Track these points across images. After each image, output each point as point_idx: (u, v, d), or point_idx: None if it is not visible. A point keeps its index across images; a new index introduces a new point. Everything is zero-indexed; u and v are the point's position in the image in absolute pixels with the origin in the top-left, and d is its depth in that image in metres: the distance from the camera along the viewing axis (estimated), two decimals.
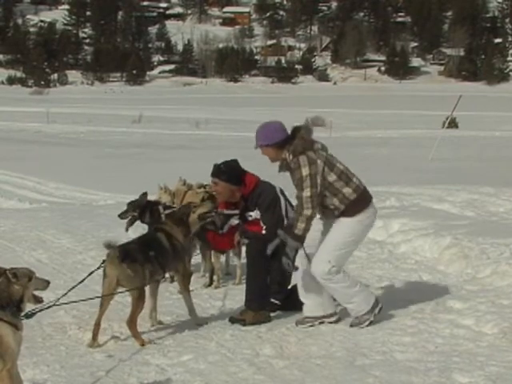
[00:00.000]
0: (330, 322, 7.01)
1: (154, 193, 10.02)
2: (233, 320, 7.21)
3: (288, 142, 6.76)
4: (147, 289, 7.00)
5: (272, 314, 7.39)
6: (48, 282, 4.94)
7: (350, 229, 6.79)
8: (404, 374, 5.61)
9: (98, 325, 6.62)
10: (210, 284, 8.92)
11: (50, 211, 15.86)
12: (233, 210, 7.80)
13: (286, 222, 7.40)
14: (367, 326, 6.91)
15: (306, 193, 6.55)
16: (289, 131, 6.88)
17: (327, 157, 6.78)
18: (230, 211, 7.81)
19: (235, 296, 8.27)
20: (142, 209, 9.06)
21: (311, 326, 6.96)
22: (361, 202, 6.81)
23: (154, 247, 6.91)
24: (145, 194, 9.17)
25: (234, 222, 7.94)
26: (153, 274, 6.85)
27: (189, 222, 7.24)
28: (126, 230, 9.27)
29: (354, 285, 6.87)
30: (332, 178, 6.69)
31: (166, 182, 10.13)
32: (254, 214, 7.53)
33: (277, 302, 7.60)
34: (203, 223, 7.49)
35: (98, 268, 6.63)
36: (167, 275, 8.22)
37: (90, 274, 6.69)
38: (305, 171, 6.58)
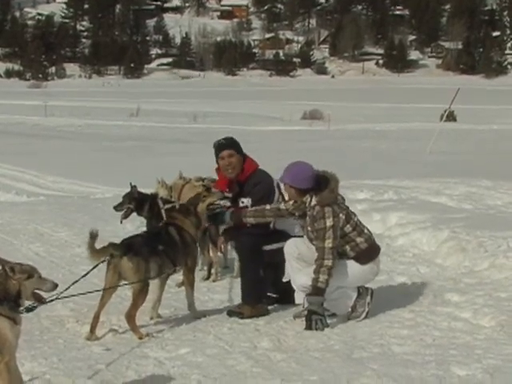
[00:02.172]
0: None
1: (151, 187, 10.01)
2: (231, 313, 7.22)
3: (312, 189, 6.88)
4: (156, 281, 7.03)
5: (270, 308, 7.41)
6: (55, 285, 4.88)
7: (357, 273, 6.94)
8: (401, 367, 5.62)
9: (97, 317, 6.62)
10: (208, 277, 8.94)
11: (48, 204, 15.84)
12: (227, 192, 7.64)
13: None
14: (364, 318, 6.93)
15: (328, 244, 6.72)
16: (316, 168, 6.99)
17: (347, 210, 6.97)
18: (224, 193, 7.63)
19: (233, 289, 8.27)
20: (139, 202, 9.06)
21: None
22: (372, 251, 7.03)
23: (164, 241, 6.92)
24: (135, 187, 9.15)
25: (226, 204, 7.73)
26: (162, 267, 6.86)
27: (198, 213, 7.23)
28: (121, 222, 9.27)
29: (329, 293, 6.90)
30: (348, 229, 6.90)
31: (163, 176, 10.12)
32: (246, 202, 7.50)
33: (273, 295, 7.62)
34: (211, 213, 7.43)
35: (102, 261, 6.63)
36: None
37: (94, 267, 6.67)
38: (329, 222, 6.75)
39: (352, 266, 6.91)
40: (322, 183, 6.88)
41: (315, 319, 6.66)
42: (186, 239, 7.12)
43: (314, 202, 6.88)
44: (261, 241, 7.30)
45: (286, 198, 7.28)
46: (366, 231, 7.03)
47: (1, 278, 4.71)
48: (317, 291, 6.68)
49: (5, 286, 4.70)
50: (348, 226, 6.88)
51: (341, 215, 6.83)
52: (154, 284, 7.00)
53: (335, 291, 6.87)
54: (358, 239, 6.92)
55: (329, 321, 6.82)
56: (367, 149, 29.78)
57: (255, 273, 7.30)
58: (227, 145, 7.54)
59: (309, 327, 6.67)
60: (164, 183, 9.97)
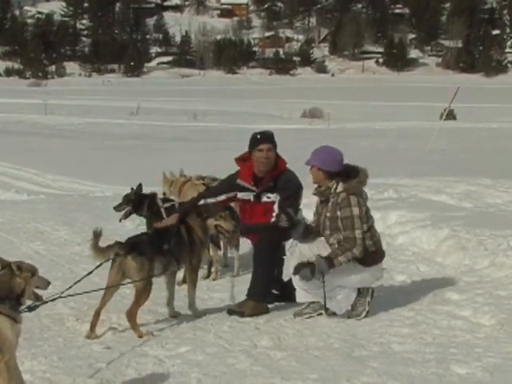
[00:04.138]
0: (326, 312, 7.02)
1: (153, 185, 10.02)
2: (231, 312, 7.21)
3: (339, 176, 6.87)
4: (165, 280, 7.11)
5: (270, 306, 7.40)
6: (49, 283, 4.95)
7: (360, 274, 6.91)
8: (402, 366, 5.62)
9: (97, 315, 6.62)
10: (208, 276, 8.93)
11: (48, 203, 15.84)
12: (252, 185, 7.59)
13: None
14: (365, 316, 6.93)
15: (358, 234, 6.74)
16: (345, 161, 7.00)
17: (368, 209, 6.98)
18: (249, 186, 7.59)
19: (233, 288, 8.28)
20: (136, 202, 9.08)
21: (309, 317, 6.98)
22: (378, 255, 7.01)
23: (170, 239, 6.93)
24: (139, 186, 9.17)
25: (247, 197, 7.64)
26: (166, 266, 6.88)
27: (205, 223, 7.25)
28: (120, 221, 9.30)
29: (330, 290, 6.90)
30: (364, 228, 6.88)
31: (165, 173, 10.18)
32: (273, 197, 7.47)
33: (275, 291, 7.61)
34: (214, 233, 7.48)
35: (106, 260, 6.63)
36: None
37: (98, 266, 6.68)
38: (355, 211, 6.76)
39: (355, 267, 6.87)
40: (351, 173, 6.88)
41: (304, 274, 6.68)
42: (194, 239, 7.14)
43: (340, 188, 6.84)
44: (281, 237, 7.26)
45: (310, 181, 7.19)
46: (377, 235, 7.04)
47: (5, 276, 4.72)
48: (328, 262, 6.69)
49: (9, 285, 4.71)
50: (366, 224, 6.89)
51: (364, 208, 6.85)
52: (163, 282, 7.10)
53: (336, 290, 6.87)
54: (368, 241, 6.90)
55: (328, 319, 6.84)
56: (367, 147, 29.79)
57: (270, 270, 7.30)
58: (269, 139, 7.53)
59: (297, 272, 6.72)
60: (166, 179, 10.06)
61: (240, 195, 7.64)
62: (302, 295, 7.04)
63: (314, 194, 7.09)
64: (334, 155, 6.96)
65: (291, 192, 7.43)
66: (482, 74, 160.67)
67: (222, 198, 7.67)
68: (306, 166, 7.05)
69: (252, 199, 7.59)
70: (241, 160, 7.73)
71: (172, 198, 9.67)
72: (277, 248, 7.24)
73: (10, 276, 4.72)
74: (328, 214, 6.88)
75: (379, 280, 7.30)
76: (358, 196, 6.83)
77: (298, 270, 6.72)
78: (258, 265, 7.35)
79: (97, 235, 6.54)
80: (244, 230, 7.70)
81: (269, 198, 7.49)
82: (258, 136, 7.55)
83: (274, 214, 7.37)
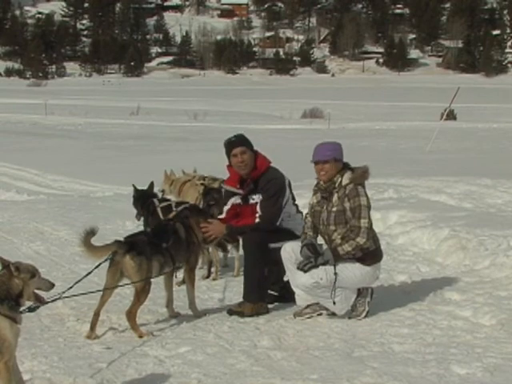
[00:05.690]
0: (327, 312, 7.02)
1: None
2: (231, 312, 7.21)
3: (344, 168, 6.92)
4: (163, 281, 7.12)
5: (270, 306, 7.40)
6: (52, 285, 4.93)
7: (360, 274, 6.90)
8: (402, 366, 5.62)
9: (97, 315, 6.62)
10: (208, 276, 8.93)
11: (48, 203, 15.84)
12: (237, 188, 7.59)
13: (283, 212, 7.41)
14: (365, 317, 6.93)
15: (365, 223, 6.74)
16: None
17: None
18: (235, 189, 7.60)
19: (233, 288, 8.28)
20: (136, 200, 9.12)
21: (309, 317, 6.98)
22: (377, 254, 7.01)
23: (168, 238, 6.93)
24: (151, 184, 9.22)
25: (237, 201, 7.66)
26: (163, 265, 6.88)
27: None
28: (138, 219, 9.33)
29: (333, 295, 6.90)
30: (371, 218, 6.87)
31: (168, 172, 10.19)
32: (257, 198, 7.48)
33: (274, 293, 7.61)
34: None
35: (106, 260, 6.63)
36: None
37: (97, 266, 6.68)
38: (363, 200, 6.77)
39: (355, 267, 6.87)
40: (353, 167, 6.95)
41: (309, 266, 6.75)
42: (192, 238, 7.14)
43: (345, 180, 6.85)
44: (268, 238, 7.26)
45: (318, 178, 7.06)
46: (375, 234, 7.04)
47: (4, 277, 4.72)
48: (333, 251, 6.76)
49: (8, 286, 4.70)
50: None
51: (369, 200, 6.87)
52: (162, 283, 7.09)
53: (336, 291, 6.86)
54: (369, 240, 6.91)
55: (329, 319, 6.84)
56: (367, 147, 29.71)
57: (260, 270, 7.28)
58: (239, 142, 7.48)
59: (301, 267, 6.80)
60: (167, 177, 10.07)
61: (232, 200, 7.65)
62: (301, 298, 7.03)
63: (317, 190, 7.07)
64: (339, 146, 7.03)
65: (272, 192, 7.39)
66: (482, 74, 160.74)
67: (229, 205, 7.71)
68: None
69: (241, 202, 7.58)
70: (229, 165, 7.72)
71: (170, 197, 9.71)
72: (264, 248, 7.22)
73: (8, 276, 4.72)
74: (334, 209, 6.85)
75: (377, 279, 7.29)
76: (364, 187, 6.86)
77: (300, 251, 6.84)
78: (248, 266, 7.37)
79: (89, 232, 6.48)
80: (231, 232, 7.59)
81: (253, 199, 7.50)
82: (230, 140, 7.52)
83: (257, 215, 7.37)
